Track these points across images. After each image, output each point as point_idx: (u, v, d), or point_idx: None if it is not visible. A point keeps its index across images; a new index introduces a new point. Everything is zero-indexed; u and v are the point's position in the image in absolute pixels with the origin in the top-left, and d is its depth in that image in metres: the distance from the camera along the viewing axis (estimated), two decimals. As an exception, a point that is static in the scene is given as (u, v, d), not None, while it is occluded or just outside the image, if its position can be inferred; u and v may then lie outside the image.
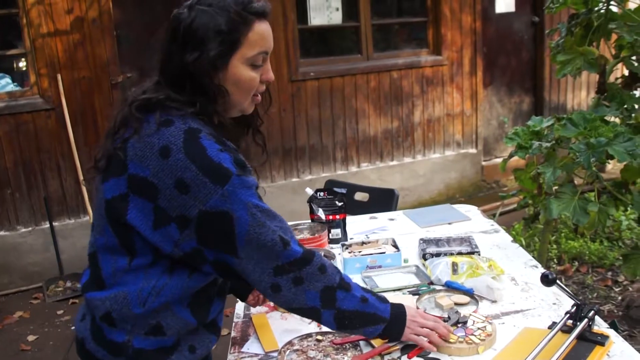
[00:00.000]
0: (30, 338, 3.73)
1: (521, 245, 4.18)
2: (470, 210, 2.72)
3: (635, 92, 2.57)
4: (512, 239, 2.36)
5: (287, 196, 5.07)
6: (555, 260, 4.19)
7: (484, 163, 6.14)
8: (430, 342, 1.53)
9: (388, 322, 1.50)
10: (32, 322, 3.94)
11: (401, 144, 5.73)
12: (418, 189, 5.79)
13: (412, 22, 5.85)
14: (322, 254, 1.49)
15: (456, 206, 2.79)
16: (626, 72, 2.69)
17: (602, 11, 2.30)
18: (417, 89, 5.66)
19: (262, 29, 1.36)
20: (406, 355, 1.53)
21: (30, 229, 4.49)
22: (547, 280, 1.39)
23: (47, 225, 4.46)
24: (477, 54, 5.83)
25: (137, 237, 1.33)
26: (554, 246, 4.31)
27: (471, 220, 2.59)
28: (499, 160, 3.01)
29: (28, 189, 4.46)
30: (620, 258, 2.64)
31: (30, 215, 4.49)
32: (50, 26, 4.34)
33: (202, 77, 1.31)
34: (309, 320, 1.77)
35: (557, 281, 1.41)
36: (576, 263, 4.15)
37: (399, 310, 1.52)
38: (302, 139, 5.29)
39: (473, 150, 6.05)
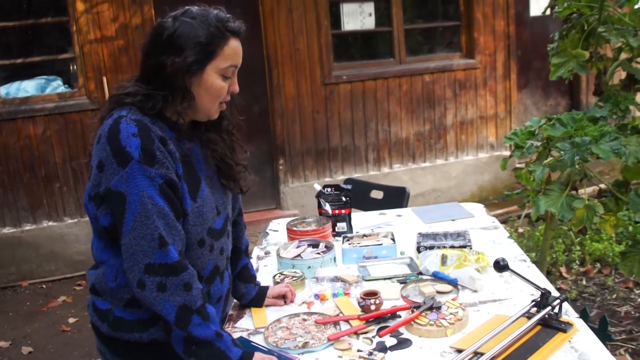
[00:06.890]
0: (71, 320, 4.04)
1: (538, 246, 4.25)
2: (476, 208, 2.84)
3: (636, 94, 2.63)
4: (508, 235, 2.47)
5: (318, 195, 5.23)
6: (577, 261, 4.22)
7: (518, 165, 6.16)
8: None
9: None
10: (74, 307, 4.24)
11: (433, 146, 5.82)
12: (450, 191, 5.87)
13: (444, 27, 5.96)
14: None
15: (463, 204, 2.91)
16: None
17: (595, 16, 2.38)
18: (450, 92, 5.75)
19: (235, 45, 1.54)
20: (378, 334, 1.69)
21: (76, 220, 4.82)
22: (499, 267, 1.52)
23: (92, 217, 4.75)
24: (511, 57, 5.88)
25: None
26: (578, 247, 4.34)
27: (474, 217, 2.71)
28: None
29: (75, 183, 4.79)
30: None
31: (77, 207, 4.82)
32: (97, 33, 4.66)
33: (175, 78, 1.49)
34: (300, 302, 1.94)
35: (511, 268, 1.54)
36: (599, 265, 4.17)
37: (248, 356, 1.51)
38: (334, 140, 5.46)
39: (507, 153, 6.08)
